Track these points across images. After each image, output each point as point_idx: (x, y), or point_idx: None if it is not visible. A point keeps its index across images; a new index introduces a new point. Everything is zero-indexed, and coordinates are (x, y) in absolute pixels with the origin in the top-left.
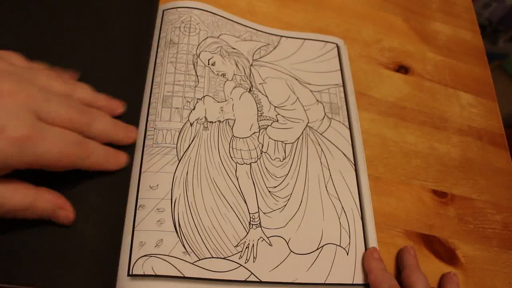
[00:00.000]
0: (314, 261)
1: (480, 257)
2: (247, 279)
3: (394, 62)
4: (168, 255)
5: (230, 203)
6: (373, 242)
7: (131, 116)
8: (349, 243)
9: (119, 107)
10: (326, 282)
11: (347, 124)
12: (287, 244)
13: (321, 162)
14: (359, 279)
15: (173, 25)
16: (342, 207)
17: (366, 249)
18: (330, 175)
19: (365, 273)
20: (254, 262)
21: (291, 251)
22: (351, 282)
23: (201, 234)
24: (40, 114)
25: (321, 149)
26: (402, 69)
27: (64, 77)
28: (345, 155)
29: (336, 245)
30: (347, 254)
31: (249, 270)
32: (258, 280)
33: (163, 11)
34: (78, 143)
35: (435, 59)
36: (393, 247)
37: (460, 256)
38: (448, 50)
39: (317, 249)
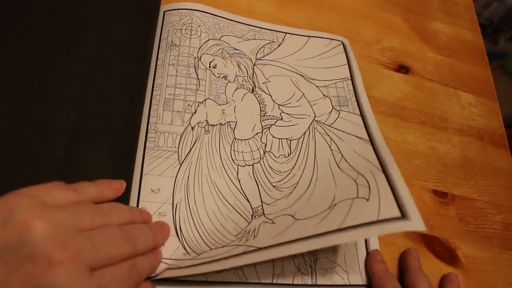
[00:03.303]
0: (325, 217)
1: (481, 257)
2: (244, 251)
3: (394, 62)
4: (169, 259)
5: (232, 204)
6: (398, 178)
7: (134, 117)
8: (369, 191)
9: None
10: (341, 227)
11: (357, 112)
12: (293, 216)
13: (331, 149)
14: (386, 214)
15: (174, 26)
16: (358, 172)
17: (391, 186)
18: (342, 156)
19: (395, 205)
20: (254, 239)
21: (296, 219)
22: (375, 219)
23: (202, 237)
24: (93, 266)
25: (330, 138)
26: (402, 69)
27: (102, 208)
28: (358, 137)
29: (352, 198)
30: (368, 200)
31: (247, 245)
32: (256, 248)
33: (164, 12)
34: (131, 270)
35: (435, 59)
36: (393, 248)
37: (461, 257)
38: (449, 50)
39: (329, 208)
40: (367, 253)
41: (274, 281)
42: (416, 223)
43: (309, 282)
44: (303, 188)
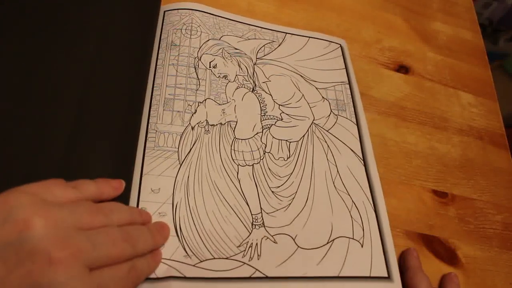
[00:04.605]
0: (325, 254)
1: (481, 257)
2: (252, 276)
3: (394, 62)
4: (169, 259)
5: (231, 205)
6: (388, 234)
7: (134, 117)
8: (363, 235)
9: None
10: (340, 275)
11: (354, 120)
12: (294, 240)
13: (327, 159)
14: (377, 272)
15: (174, 26)
16: (353, 201)
17: (382, 241)
18: (338, 171)
19: (384, 265)
20: (258, 259)
21: (298, 246)
22: (368, 275)
23: (202, 238)
24: (92, 265)
25: (328, 146)
26: (403, 69)
27: (103, 208)
28: (353, 151)
29: (349, 238)
30: (362, 247)
31: (253, 267)
32: (264, 275)
33: (164, 12)
34: (130, 271)
35: (435, 59)
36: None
37: (461, 256)
38: (449, 50)
39: (328, 242)
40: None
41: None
42: (397, 286)
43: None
44: (301, 202)
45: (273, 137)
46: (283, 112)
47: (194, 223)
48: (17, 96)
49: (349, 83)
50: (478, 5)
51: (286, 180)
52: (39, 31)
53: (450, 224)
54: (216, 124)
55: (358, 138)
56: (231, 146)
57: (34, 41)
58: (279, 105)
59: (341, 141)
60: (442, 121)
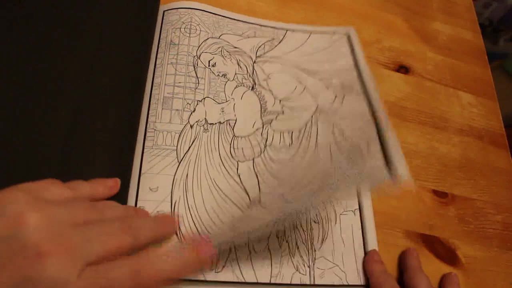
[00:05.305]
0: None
1: (481, 257)
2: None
3: (395, 62)
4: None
5: (231, 198)
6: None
7: (132, 116)
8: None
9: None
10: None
11: (362, 96)
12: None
13: (333, 133)
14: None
15: (174, 26)
16: (352, 144)
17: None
18: (343, 133)
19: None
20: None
21: (288, 201)
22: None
23: (201, 234)
24: (88, 260)
25: (333, 125)
26: (403, 69)
27: (97, 205)
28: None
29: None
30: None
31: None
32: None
33: (164, 11)
34: (132, 265)
35: (435, 59)
36: (393, 248)
37: (461, 257)
38: (449, 50)
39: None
40: (365, 253)
41: (272, 281)
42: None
43: (307, 282)
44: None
45: (274, 130)
46: (285, 106)
47: (194, 221)
48: (16, 94)
49: (357, 66)
50: (478, 5)
51: (288, 164)
52: (38, 31)
53: (450, 224)
54: (215, 123)
55: (368, 107)
56: (230, 144)
57: (33, 41)
58: (280, 100)
59: (347, 119)
60: (442, 121)
